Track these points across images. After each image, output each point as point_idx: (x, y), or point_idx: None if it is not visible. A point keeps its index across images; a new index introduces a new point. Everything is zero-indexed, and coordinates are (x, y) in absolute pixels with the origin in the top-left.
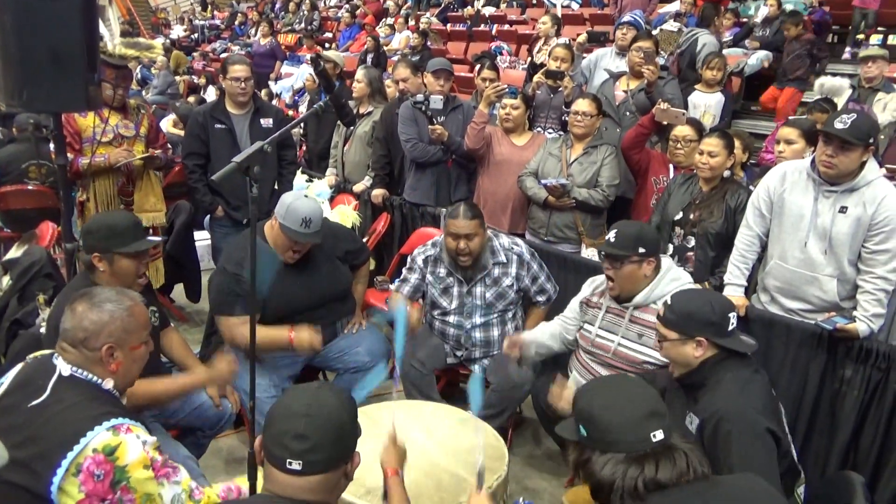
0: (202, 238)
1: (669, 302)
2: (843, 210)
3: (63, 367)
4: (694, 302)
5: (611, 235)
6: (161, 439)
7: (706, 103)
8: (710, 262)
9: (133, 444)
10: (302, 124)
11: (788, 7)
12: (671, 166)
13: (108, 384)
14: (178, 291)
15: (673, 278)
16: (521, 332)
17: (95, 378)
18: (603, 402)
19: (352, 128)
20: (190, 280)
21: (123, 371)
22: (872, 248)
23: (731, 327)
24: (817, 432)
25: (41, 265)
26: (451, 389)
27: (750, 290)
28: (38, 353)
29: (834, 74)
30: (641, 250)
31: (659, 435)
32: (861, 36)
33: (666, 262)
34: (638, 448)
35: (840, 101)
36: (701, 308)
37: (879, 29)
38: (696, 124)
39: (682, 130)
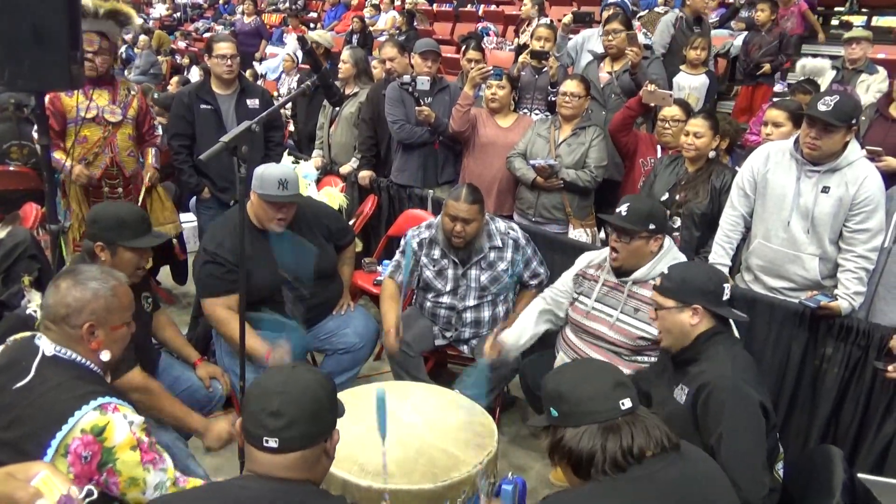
0: (188, 220)
1: (666, 272)
2: (825, 190)
3: (46, 347)
4: (691, 271)
5: (622, 209)
6: (150, 422)
7: (691, 84)
8: (695, 242)
9: (120, 424)
10: (291, 105)
11: None
12: (659, 147)
13: (94, 364)
14: (165, 273)
15: (674, 257)
16: (503, 333)
17: (79, 357)
18: (570, 379)
19: (338, 109)
20: (176, 262)
21: (104, 350)
22: (853, 227)
23: (725, 297)
24: (799, 408)
25: (25, 246)
26: (439, 370)
27: (734, 269)
28: (18, 336)
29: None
30: (652, 227)
31: (628, 403)
32: (846, 18)
33: (667, 241)
34: (609, 416)
35: (823, 82)
36: (697, 276)
37: (863, 10)
38: (684, 105)
39: (671, 111)
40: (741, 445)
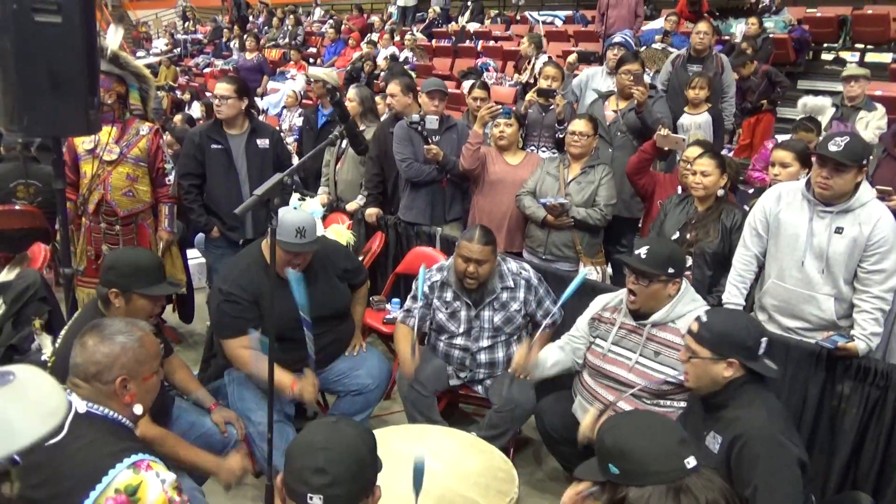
0: (194, 257)
1: (705, 319)
2: (839, 231)
3: (78, 404)
4: (731, 323)
5: (642, 251)
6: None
7: (695, 123)
8: (707, 282)
9: (153, 483)
10: (296, 144)
11: (769, 25)
12: (679, 188)
13: (126, 419)
14: (170, 311)
15: (692, 298)
16: (535, 350)
17: (111, 413)
18: (633, 436)
19: (343, 146)
20: (182, 300)
21: (137, 402)
22: (868, 268)
23: (761, 351)
24: (817, 450)
25: (36, 289)
26: (451, 410)
27: (747, 308)
28: None
29: (809, 91)
30: (671, 271)
31: (692, 461)
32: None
33: (685, 283)
34: (676, 476)
35: (823, 120)
36: (737, 330)
37: (857, 46)
38: (704, 144)
39: (693, 152)
40: (778, 499)
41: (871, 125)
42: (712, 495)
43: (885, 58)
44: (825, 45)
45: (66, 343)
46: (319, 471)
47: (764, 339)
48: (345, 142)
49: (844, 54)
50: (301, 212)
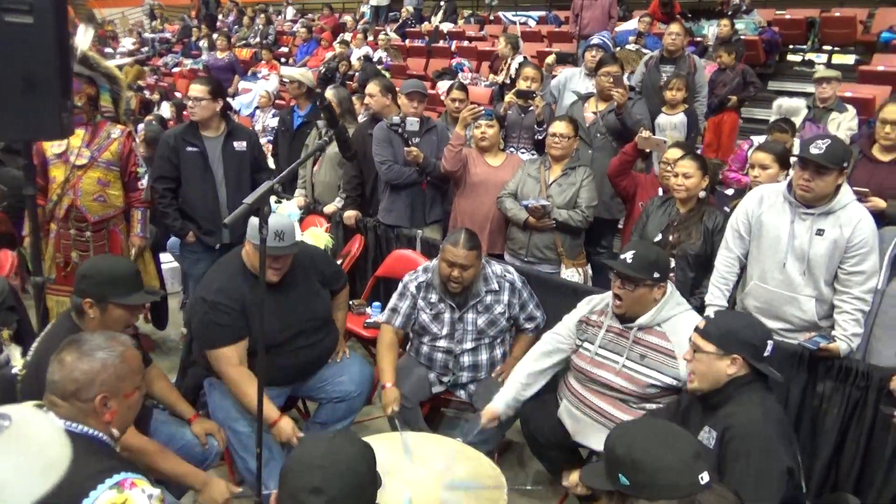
0: (167, 261)
1: (713, 316)
2: (819, 233)
3: (57, 423)
4: (739, 321)
5: (627, 256)
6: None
7: (671, 123)
8: (689, 283)
9: (139, 499)
10: (272, 145)
11: (740, 27)
12: (661, 189)
13: (106, 436)
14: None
15: (678, 302)
16: (496, 404)
17: (91, 430)
18: (646, 446)
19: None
20: (155, 306)
21: (118, 420)
22: (849, 269)
23: (766, 353)
24: (799, 451)
25: (4, 297)
26: (433, 415)
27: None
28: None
29: (780, 92)
30: (656, 275)
31: (706, 477)
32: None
33: (670, 286)
34: (690, 492)
35: (797, 121)
36: (744, 328)
37: (824, 48)
38: (685, 147)
39: (674, 153)
40: (759, 497)
41: (842, 126)
42: None
43: (851, 59)
44: (792, 46)
45: (38, 356)
46: (316, 490)
47: (770, 342)
48: (334, 146)
49: (811, 56)
50: (279, 215)
